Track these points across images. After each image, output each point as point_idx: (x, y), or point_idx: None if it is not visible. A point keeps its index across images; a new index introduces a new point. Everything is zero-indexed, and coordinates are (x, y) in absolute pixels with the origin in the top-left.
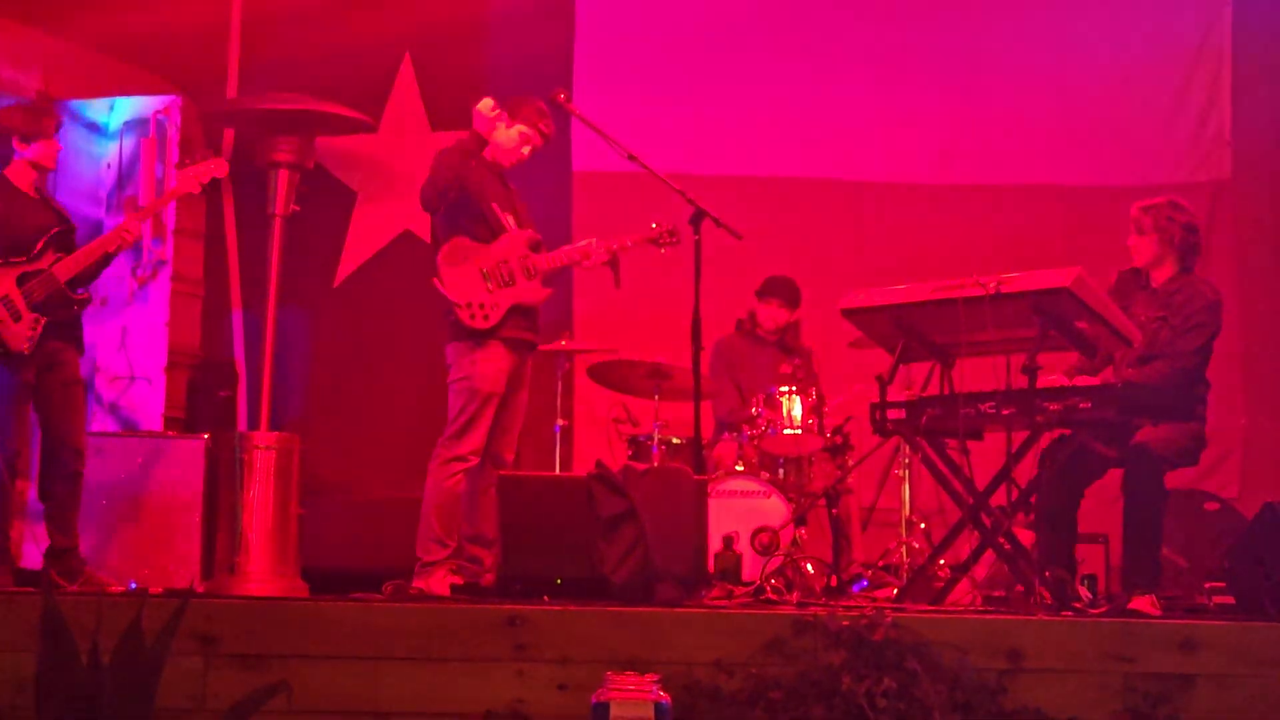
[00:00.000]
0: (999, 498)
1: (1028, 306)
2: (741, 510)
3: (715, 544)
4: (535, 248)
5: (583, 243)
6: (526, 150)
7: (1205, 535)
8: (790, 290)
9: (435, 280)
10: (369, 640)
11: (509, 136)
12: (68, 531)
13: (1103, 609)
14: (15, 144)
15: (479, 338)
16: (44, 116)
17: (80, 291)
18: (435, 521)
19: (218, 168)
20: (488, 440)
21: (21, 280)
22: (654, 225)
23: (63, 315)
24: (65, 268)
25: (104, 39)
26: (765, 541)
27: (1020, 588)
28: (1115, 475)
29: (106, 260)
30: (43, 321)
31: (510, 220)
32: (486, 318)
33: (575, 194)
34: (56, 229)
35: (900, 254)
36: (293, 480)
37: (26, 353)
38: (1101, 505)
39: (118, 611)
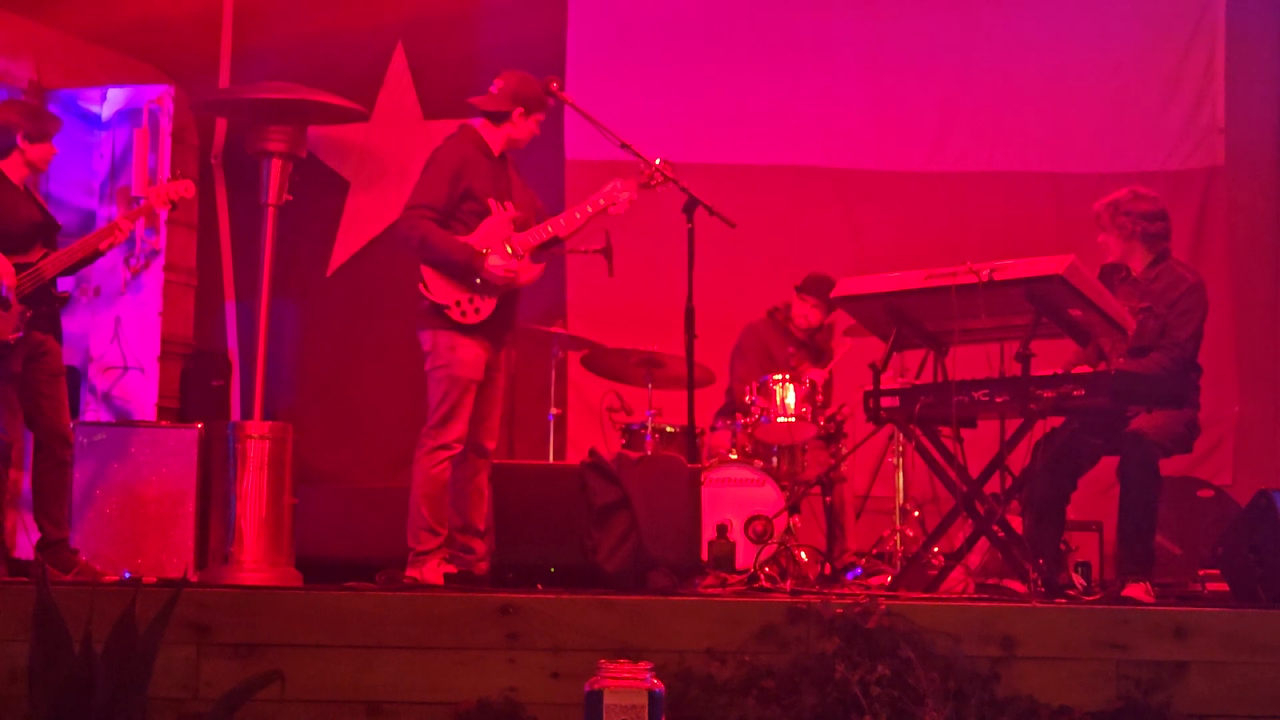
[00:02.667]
0: (993, 485)
1: (1021, 294)
2: (735, 498)
3: (709, 532)
4: (520, 226)
5: (570, 210)
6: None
7: (1199, 522)
8: (827, 291)
9: (420, 285)
10: (362, 629)
11: (527, 129)
12: (59, 522)
13: (1096, 596)
14: (19, 140)
15: (464, 330)
16: (49, 120)
17: (60, 288)
18: (425, 510)
19: (185, 189)
20: (470, 428)
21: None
22: (642, 170)
23: (45, 309)
24: (52, 263)
25: (96, 29)
26: (759, 529)
27: (1008, 582)
28: (1110, 463)
29: (94, 257)
30: (29, 313)
31: (508, 208)
32: (478, 311)
33: (568, 182)
34: (44, 224)
35: (893, 242)
36: (286, 470)
37: (12, 343)
38: (1096, 493)
39: (111, 601)
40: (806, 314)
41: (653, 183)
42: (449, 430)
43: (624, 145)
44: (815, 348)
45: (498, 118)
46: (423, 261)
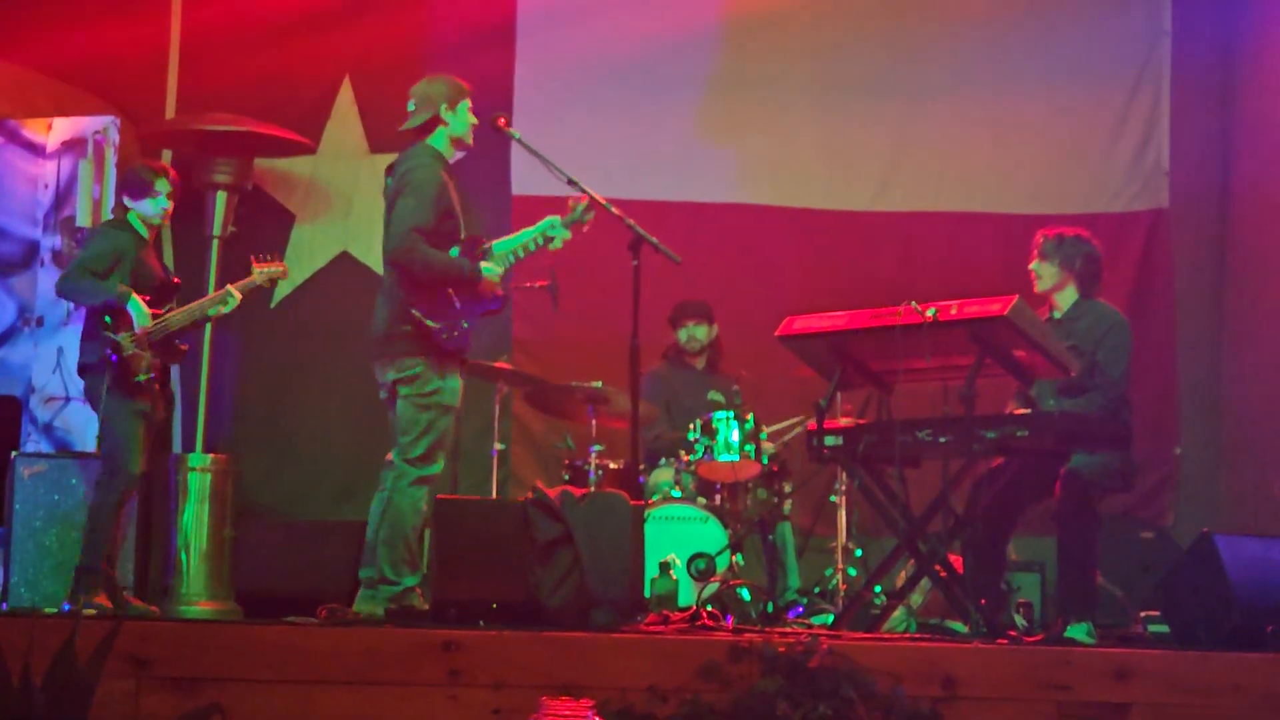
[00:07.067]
0: (937, 525)
1: (965, 334)
2: (678, 536)
3: (652, 569)
4: (483, 251)
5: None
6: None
7: (1140, 564)
8: (700, 306)
9: (410, 310)
10: (303, 664)
11: (464, 120)
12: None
13: (1038, 637)
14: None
15: (451, 357)
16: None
17: (182, 343)
18: (407, 544)
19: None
20: None
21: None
22: (570, 203)
23: (168, 361)
24: (178, 319)
25: (43, 60)
26: (702, 567)
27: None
28: (1050, 503)
29: (203, 321)
30: (157, 362)
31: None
32: (459, 338)
33: (514, 218)
34: (167, 282)
35: (840, 281)
36: (227, 502)
37: (143, 384)
38: (1038, 533)
39: (50, 633)
40: (692, 335)
41: (583, 216)
42: (435, 461)
43: (571, 181)
44: (719, 373)
45: (431, 127)
46: (414, 283)
